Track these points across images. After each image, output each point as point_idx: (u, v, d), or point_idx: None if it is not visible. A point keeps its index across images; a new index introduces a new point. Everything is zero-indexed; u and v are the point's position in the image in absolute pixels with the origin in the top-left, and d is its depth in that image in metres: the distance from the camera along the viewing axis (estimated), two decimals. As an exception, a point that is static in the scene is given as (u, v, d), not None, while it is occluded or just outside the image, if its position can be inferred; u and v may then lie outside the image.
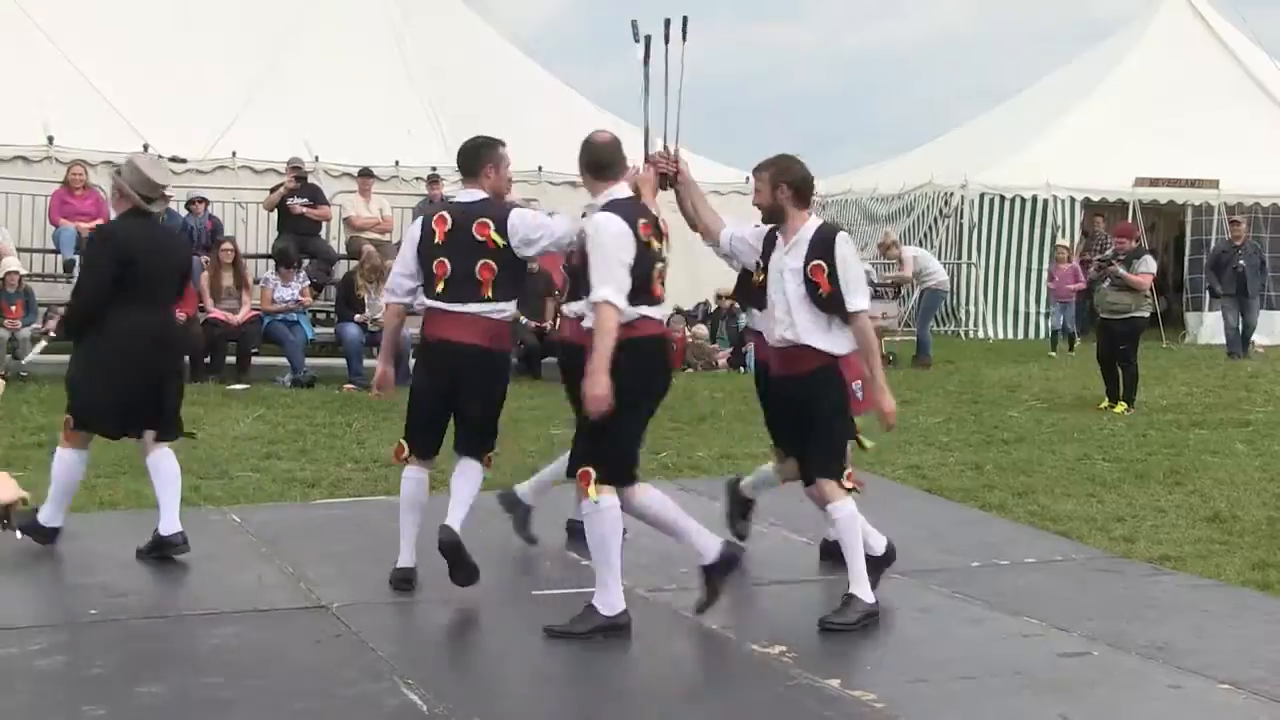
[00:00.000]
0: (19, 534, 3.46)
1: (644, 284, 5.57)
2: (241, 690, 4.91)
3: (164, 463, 6.63)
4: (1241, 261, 18.38)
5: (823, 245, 5.81)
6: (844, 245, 5.84)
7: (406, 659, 5.28)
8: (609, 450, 5.52)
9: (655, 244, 5.66)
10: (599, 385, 5.32)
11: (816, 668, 5.24)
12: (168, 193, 6.86)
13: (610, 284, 5.41)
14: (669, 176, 6.14)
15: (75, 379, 6.62)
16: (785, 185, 5.89)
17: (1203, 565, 7.04)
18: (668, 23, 6.23)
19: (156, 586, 6.37)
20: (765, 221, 6.08)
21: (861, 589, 5.78)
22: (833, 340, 5.84)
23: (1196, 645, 5.62)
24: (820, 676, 5.14)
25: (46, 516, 6.68)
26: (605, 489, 5.50)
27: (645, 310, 5.59)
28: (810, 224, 5.92)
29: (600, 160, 5.76)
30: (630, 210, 5.62)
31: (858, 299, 5.79)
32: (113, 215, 6.87)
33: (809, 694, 5.00)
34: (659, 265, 5.69)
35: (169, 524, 6.55)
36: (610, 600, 5.54)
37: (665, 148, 6.21)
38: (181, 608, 5.99)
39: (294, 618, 5.83)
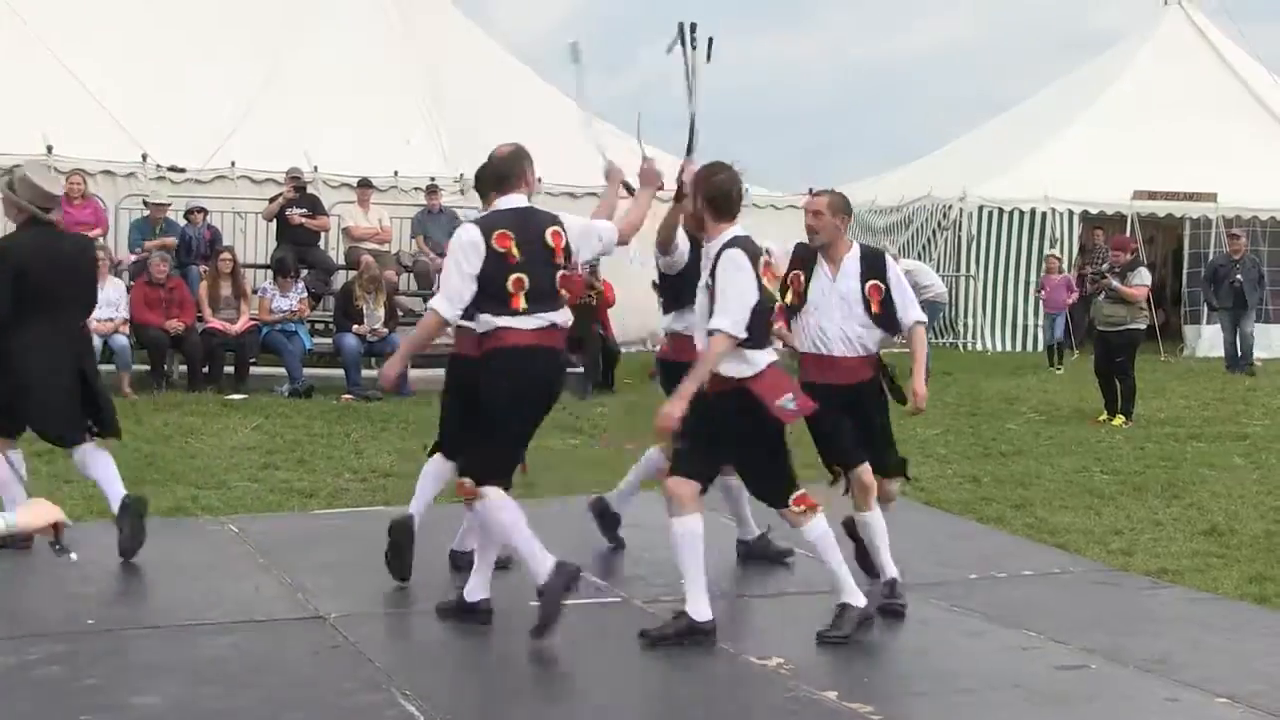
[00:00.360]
0: (73, 556, 3.48)
1: (497, 293, 5.51)
2: (238, 701, 4.91)
3: (89, 455, 6.72)
4: (1239, 276, 18.35)
5: (715, 261, 5.57)
6: (725, 262, 5.49)
7: (404, 670, 5.28)
8: (489, 457, 5.59)
9: (518, 254, 5.52)
10: (389, 366, 6.04)
11: (814, 680, 5.24)
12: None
13: (440, 291, 5.66)
14: (681, 184, 6.17)
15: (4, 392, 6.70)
16: (702, 195, 5.69)
17: (1200, 578, 7.04)
18: (693, 26, 6.26)
19: (153, 596, 6.38)
20: (694, 230, 6.06)
21: (852, 596, 5.74)
22: (734, 363, 5.50)
23: (1194, 658, 5.62)
24: (818, 689, 5.14)
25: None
26: (486, 488, 5.54)
27: (505, 321, 5.52)
28: (722, 237, 5.61)
29: (497, 173, 5.86)
30: (495, 219, 5.64)
31: (717, 318, 5.43)
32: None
33: (807, 706, 5.00)
34: (516, 275, 5.50)
35: (115, 493, 6.63)
36: (538, 570, 5.47)
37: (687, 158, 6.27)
38: (178, 618, 5.97)
39: (292, 628, 5.83)
